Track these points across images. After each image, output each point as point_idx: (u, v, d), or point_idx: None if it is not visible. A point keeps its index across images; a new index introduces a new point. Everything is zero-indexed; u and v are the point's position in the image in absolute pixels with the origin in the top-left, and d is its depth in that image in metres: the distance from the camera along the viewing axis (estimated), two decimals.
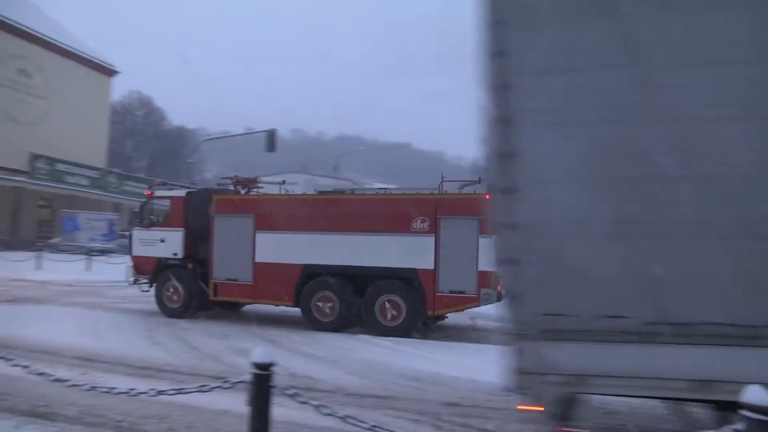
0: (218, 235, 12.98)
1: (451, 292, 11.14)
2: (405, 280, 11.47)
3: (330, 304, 12.02)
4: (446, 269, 11.13)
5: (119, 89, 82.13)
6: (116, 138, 66.09)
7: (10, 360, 4.27)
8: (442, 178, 12.15)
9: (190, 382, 7.80)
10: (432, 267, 11.21)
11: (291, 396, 3.47)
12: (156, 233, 13.87)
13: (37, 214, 40.15)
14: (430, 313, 11.48)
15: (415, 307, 11.43)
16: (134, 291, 15.14)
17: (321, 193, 13.20)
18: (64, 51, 42.60)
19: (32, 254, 26.01)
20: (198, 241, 13.50)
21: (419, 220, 11.32)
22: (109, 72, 47.29)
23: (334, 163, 48.74)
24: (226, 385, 3.69)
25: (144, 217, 14.34)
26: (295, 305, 12.41)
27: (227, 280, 12.94)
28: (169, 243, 13.59)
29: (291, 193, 13.99)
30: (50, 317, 13.02)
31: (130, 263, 14.44)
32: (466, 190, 11.94)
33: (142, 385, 7.36)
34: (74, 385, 4.01)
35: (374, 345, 10.89)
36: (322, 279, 12.02)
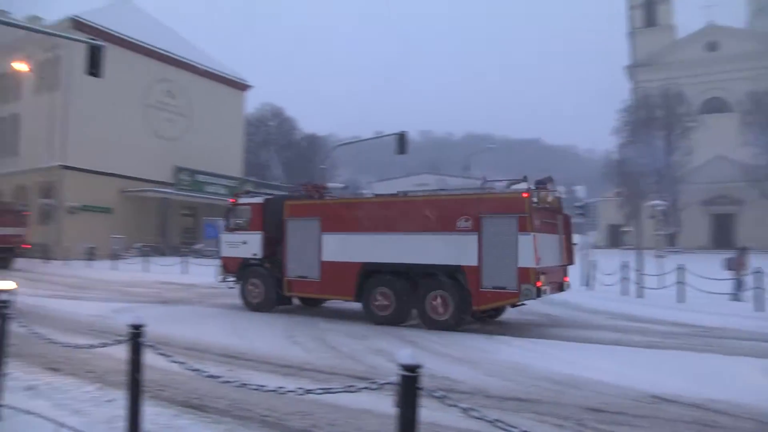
0: (290, 237, 14.31)
1: (493, 287, 11.53)
2: (451, 277, 11.94)
3: (386, 300, 12.77)
4: (489, 266, 11.54)
5: (252, 102, 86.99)
6: (251, 148, 69.97)
7: (169, 356, 4.52)
8: (485, 179, 12.85)
9: (330, 381, 7.98)
10: (476, 264, 11.65)
11: (439, 398, 3.37)
12: (239, 236, 15.40)
13: (181, 222, 43.48)
14: (474, 308, 11.86)
15: (461, 302, 11.86)
16: None
17: (377, 196, 14.17)
18: (203, 71, 46.03)
19: (178, 259, 28.00)
20: (274, 242, 14.79)
21: (463, 219, 11.83)
22: (242, 87, 50.23)
23: (464, 163, 48.42)
24: (374, 386, 3.65)
25: (230, 222, 15.83)
26: (356, 300, 13.28)
27: (298, 277, 14.16)
28: (250, 245, 15.11)
29: (352, 197, 15.18)
30: (198, 317, 13.89)
31: (220, 263, 16.03)
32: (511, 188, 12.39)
33: (284, 382, 7.65)
34: (226, 382, 4.15)
35: (512, 346, 10.64)
36: (379, 276, 12.84)
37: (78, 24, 36.89)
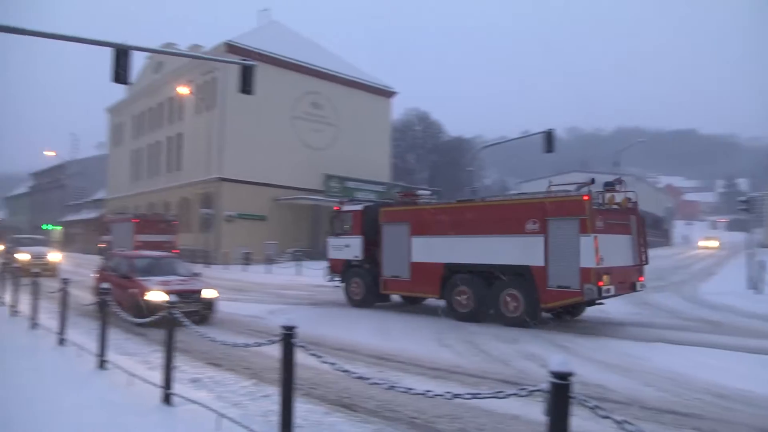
0: (385, 241, 15.66)
1: (558, 287, 12.00)
2: (522, 276, 12.62)
3: (465, 297, 13.66)
4: (554, 266, 12.05)
5: (398, 108, 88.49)
6: (398, 154, 71.27)
7: (320, 357, 4.65)
8: (550, 183, 13.30)
9: (479, 385, 7.82)
10: (542, 264, 12.22)
11: (591, 408, 3.14)
12: (343, 240, 17.08)
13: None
14: (542, 306, 12.36)
15: (530, 300, 12.45)
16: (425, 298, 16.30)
17: (457, 201, 15.17)
18: (348, 81, 47.60)
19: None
20: (373, 245, 16.23)
21: (531, 222, 12.47)
22: (388, 94, 51.30)
23: (614, 158, 46.02)
24: (523, 392, 3.49)
25: (335, 228, 17.53)
26: (440, 297, 14.37)
27: (392, 276, 15.47)
28: (352, 248, 16.73)
29: (436, 203, 16.11)
30: (348, 319, 14.28)
31: (328, 264, 17.77)
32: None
33: (433, 385, 7.60)
34: (375, 383, 4.17)
35: (668, 353, 9.87)
36: (460, 275, 13.81)
37: (231, 47, 39.82)
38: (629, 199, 13.13)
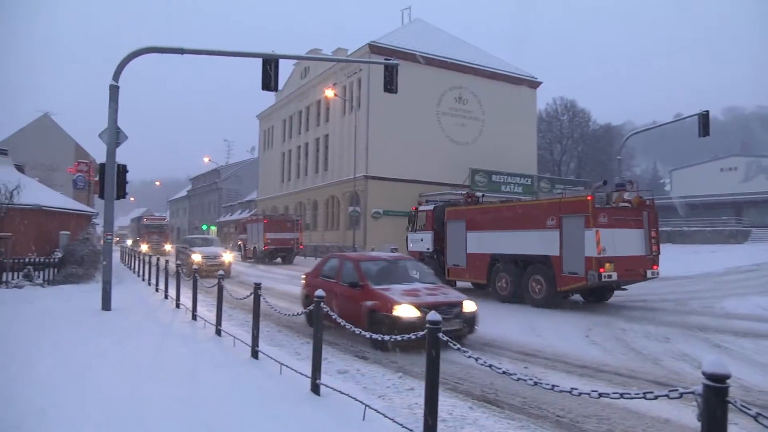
0: (449, 235, 19.09)
1: (570, 273, 14.52)
2: (544, 264, 15.30)
3: (504, 282, 16.73)
4: (567, 255, 14.62)
5: (544, 98, 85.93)
6: (544, 145, 69.40)
7: (465, 352, 4.77)
8: (564, 188, 16.60)
9: (628, 384, 7.56)
10: (558, 254, 14.84)
11: (753, 416, 2.89)
12: (419, 235, 20.75)
13: None
14: (558, 289, 14.80)
15: (550, 284, 15.02)
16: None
17: (501, 202, 18.52)
18: (492, 74, 47.13)
19: None
20: (440, 239, 19.61)
21: (550, 219, 15.14)
22: (533, 84, 50.12)
23: None
24: (675, 395, 3.32)
25: (413, 224, 21.26)
26: (487, 282, 17.43)
27: (454, 265, 18.83)
28: (425, 241, 20.30)
29: (485, 203, 19.16)
30: (495, 314, 14.25)
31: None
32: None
33: (579, 383, 7.46)
34: (520, 379, 4.22)
35: None
36: (500, 264, 16.91)
37: (375, 48, 41.00)
38: (641, 197, 15.29)
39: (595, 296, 16.00)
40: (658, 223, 15.46)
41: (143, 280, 22.21)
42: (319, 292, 6.85)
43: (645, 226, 15.03)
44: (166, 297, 16.32)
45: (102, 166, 13.95)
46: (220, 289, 10.75)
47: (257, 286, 8.69)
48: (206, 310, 13.36)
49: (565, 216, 14.77)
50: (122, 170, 14.13)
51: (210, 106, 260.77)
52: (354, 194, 41.54)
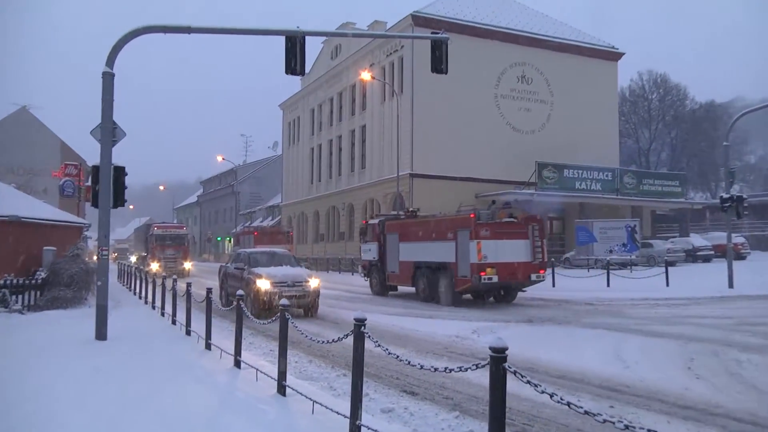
0: (388, 245, 26.53)
1: (461, 276, 21.19)
2: (447, 270, 22.18)
3: (423, 285, 23.83)
4: (460, 262, 21.32)
5: (627, 73, 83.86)
6: (628, 131, 68.33)
7: (537, 386, 4.56)
8: (460, 205, 27.15)
9: None
10: (454, 261, 21.60)
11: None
12: (368, 246, 28.21)
13: (546, 226, 44.23)
14: (456, 290, 21.68)
15: (451, 286, 21.86)
16: (665, 310, 15.42)
17: (419, 218, 26.54)
18: (562, 45, 46.73)
19: (548, 271, 28.59)
20: (384, 249, 26.92)
21: (450, 232, 22.04)
22: (613, 56, 49.46)
23: None
24: None
25: (364, 236, 28.82)
26: (412, 286, 24.66)
27: (391, 272, 26.25)
28: (372, 251, 27.72)
29: (412, 218, 27.05)
30: (571, 339, 13.98)
31: (361, 264, 29.71)
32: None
33: (683, 428, 7.19)
34: (606, 421, 4.01)
35: None
36: (420, 269, 24.00)
37: (419, 20, 41.09)
38: (527, 212, 24.07)
39: (503, 296, 22.82)
40: (544, 234, 22.46)
41: (146, 302, 22.52)
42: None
43: (530, 237, 21.64)
44: (173, 322, 16.49)
45: (95, 168, 14.11)
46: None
47: (284, 310, 8.65)
48: (223, 337, 13.47)
49: (458, 230, 21.73)
50: (120, 173, 14.21)
51: (224, 96, 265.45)
52: (398, 196, 41.49)
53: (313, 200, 57.73)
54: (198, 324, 14.09)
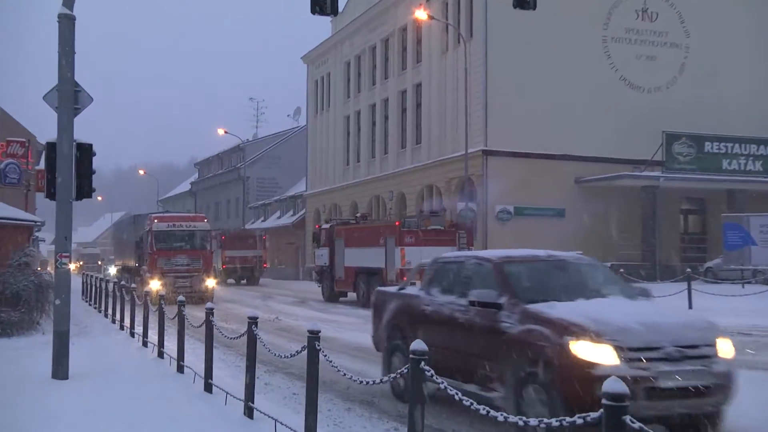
0: (336, 251, 37.25)
1: (390, 281, 29.70)
2: (379, 275, 32.30)
3: (362, 291, 33.46)
4: (389, 268, 31.83)
5: None
6: None
7: None
8: (388, 210, 50.52)
9: None
10: (384, 266, 32.31)
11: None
12: (320, 251, 39.65)
13: (678, 223, 43.76)
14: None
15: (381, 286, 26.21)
16: None
17: (356, 224, 38.89)
18: None
19: (677, 285, 28.14)
20: (333, 255, 38.37)
21: (381, 239, 33.13)
22: None
23: None
24: None
25: (318, 242, 40.65)
26: (353, 291, 35.52)
27: (339, 278, 36.94)
28: (324, 256, 38.71)
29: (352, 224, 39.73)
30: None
31: (315, 270, 42.87)
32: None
33: None
34: None
35: None
36: (360, 275, 34.63)
37: None
38: (452, 221, 34.89)
39: None
40: (472, 242, 34.01)
41: (122, 327, 22.87)
42: (419, 345, 6.81)
43: (457, 245, 31.59)
44: (161, 355, 16.60)
45: (50, 146, 13.95)
46: None
47: (313, 335, 8.66)
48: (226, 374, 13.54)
49: (387, 237, 32.23)
50: (85, 153, 14.14)
51: (228, 47, 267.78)
52: (466, 182, 41.23)
53: (349, 188, 58.22)
54: (194, 357, 14.17)
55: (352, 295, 36.54)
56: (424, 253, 28.42)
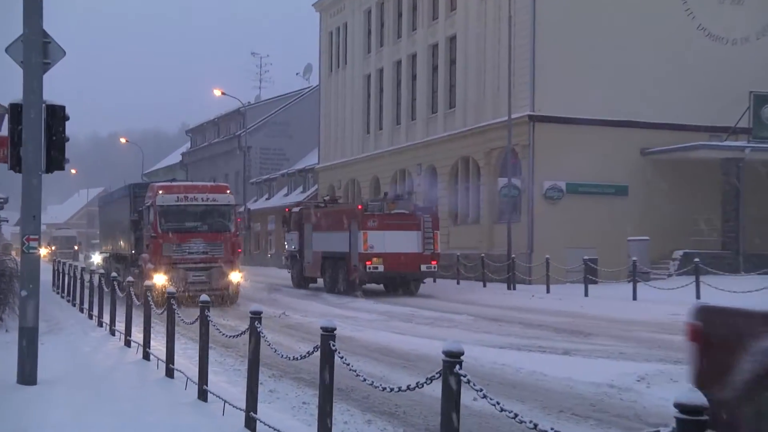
0: (305, 235, 44.23)
1: (353, 265, 37.63)
2: (344, 260, 39.05)
3: (329, 276, 41.27)
4: (352, 252, 37.83)
5: None
6: None
7: None
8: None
9: None
10: (348, 250, 38.27)
11: None
12: (290, 235, 47.22)
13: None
14: (350, 278, 38.08)
15: (346, 276, 38.39)
16: None
17: (323, 207, 45.79)
18: None
19: (765, 279, 28.00)
20: (302, 239, 45.55)
21: (346, 223, 39.03)
22: None
23: None
24: None
25: (288, 226, 47.94)
26: (321, 276, 42.61)
27: (307, 263, 44.11)
28: (293, 241, 46.13)
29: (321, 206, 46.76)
30: None
31: (284, 255, 52.55)
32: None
33: None
34: None
35: None
36: (327, 260, 41.49)
37: None
38: (416, 205, 40.69)
39: (401, 288, 38.54)
40: (437, 226, 38.22)
41: (100, 323, 23.16)
42: None
43: (422, 229, 36.43)
44: (146, 356, 16.69)
45: (14, 108, 14.01)
46: None
47: (328, 333, 8.68)
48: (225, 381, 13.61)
49: (351, 221, 36.55)
50: (57, 117, 14.20)
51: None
52: (509, 154, 41.16)
53: (369, 160, 58.50)
54: (186, 360, 14.22)
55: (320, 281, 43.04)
56: (387, 237, 35.42)
